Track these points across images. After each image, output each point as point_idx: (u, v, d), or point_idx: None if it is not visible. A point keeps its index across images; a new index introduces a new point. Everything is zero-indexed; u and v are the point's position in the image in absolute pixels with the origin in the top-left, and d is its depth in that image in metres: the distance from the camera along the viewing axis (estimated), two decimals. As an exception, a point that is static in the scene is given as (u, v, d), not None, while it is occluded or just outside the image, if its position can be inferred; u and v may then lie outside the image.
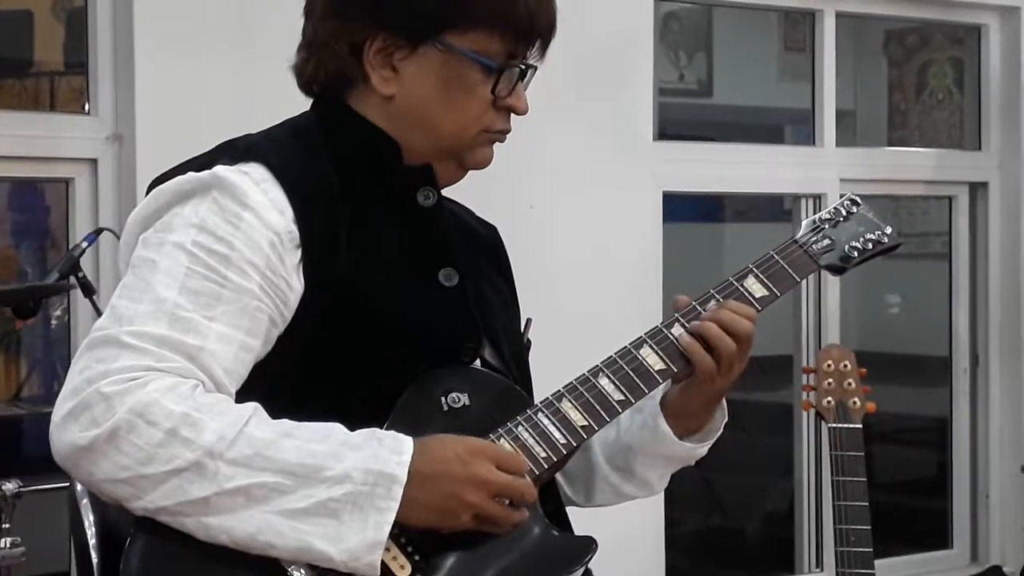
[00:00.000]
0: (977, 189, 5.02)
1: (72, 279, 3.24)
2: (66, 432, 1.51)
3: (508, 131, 1.75)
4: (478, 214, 1.94)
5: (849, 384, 2.86)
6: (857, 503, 2.77)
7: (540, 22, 1.70)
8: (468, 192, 1.84)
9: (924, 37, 5.44)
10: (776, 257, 1.85)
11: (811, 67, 4.76)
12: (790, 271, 1.84)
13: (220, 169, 1.63)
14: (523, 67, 1.72)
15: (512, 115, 1.74)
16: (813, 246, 1.88)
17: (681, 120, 5.55)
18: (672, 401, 1.84)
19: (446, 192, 1.79)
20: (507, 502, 1.60)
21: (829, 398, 2.86)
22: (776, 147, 5.23)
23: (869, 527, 2.76)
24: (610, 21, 4.11)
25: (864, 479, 2.78)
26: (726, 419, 1.89)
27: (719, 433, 1.90)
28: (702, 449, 1.89)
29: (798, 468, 4.67)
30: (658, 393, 1.83)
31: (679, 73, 5.64)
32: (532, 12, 1.69)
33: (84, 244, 3.26)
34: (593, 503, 1.94)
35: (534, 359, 1.90)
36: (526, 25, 1.69)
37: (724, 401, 1.87)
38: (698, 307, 1.78)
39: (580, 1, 3.94)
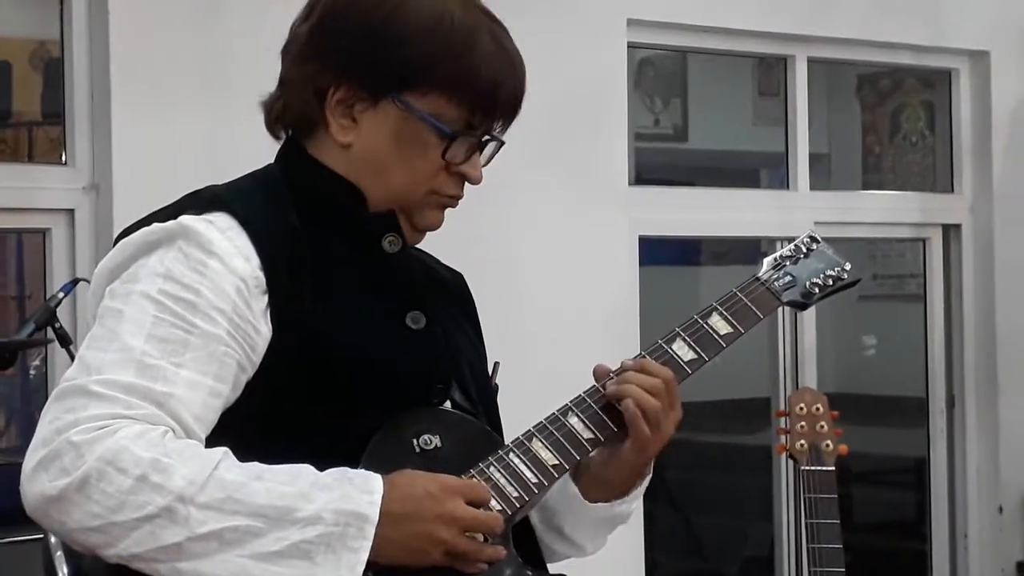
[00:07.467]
0: (950, 231, 5.06)
1: (49, 330, 3.25)
2: (36, 482, 1.52)
3: (459, 197, 1.76)
4: (454, 260, 1.95)
5: (821, 427, 2.87)
6: (831, 545, 2.77)
7: (502, 97, 1.71)
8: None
9: (896, 81, 5.50)
10: (739, 295, 1.87)
11: (784, 112, 4.81)
12: (753, 308, 1.87)
13: (185, 219, 1.64)
14: (483, 138, 1.72)
15: (482, 167, 1.75)
16: (775, 283, 1.91)
17: (657, 165, 5.59)
18: (598, 467, 1.80)
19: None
20: (481, 538, 1.61)
21: (802, 441, 2.86)
22: (751, 191, 5.27)
23: (843, 569, 2.76)
24: (585, 67, 4.14)
25: (837, 521, 2.78)
26: (650, 474, 1.84)
27: (644, 488, 1.86)
28: (631, 507, 1.86)
29: (777, 510, 4.68)
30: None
31: (654, 118, 5.68)
32: (495, 85, 1.70)
33: (60, 294, 3.27)
34: None
35: (511, 406, 1.90)
36: (487, 97, 1.69)
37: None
38: (647, 355, 1.79)
39: (555, 48, 3.99)
